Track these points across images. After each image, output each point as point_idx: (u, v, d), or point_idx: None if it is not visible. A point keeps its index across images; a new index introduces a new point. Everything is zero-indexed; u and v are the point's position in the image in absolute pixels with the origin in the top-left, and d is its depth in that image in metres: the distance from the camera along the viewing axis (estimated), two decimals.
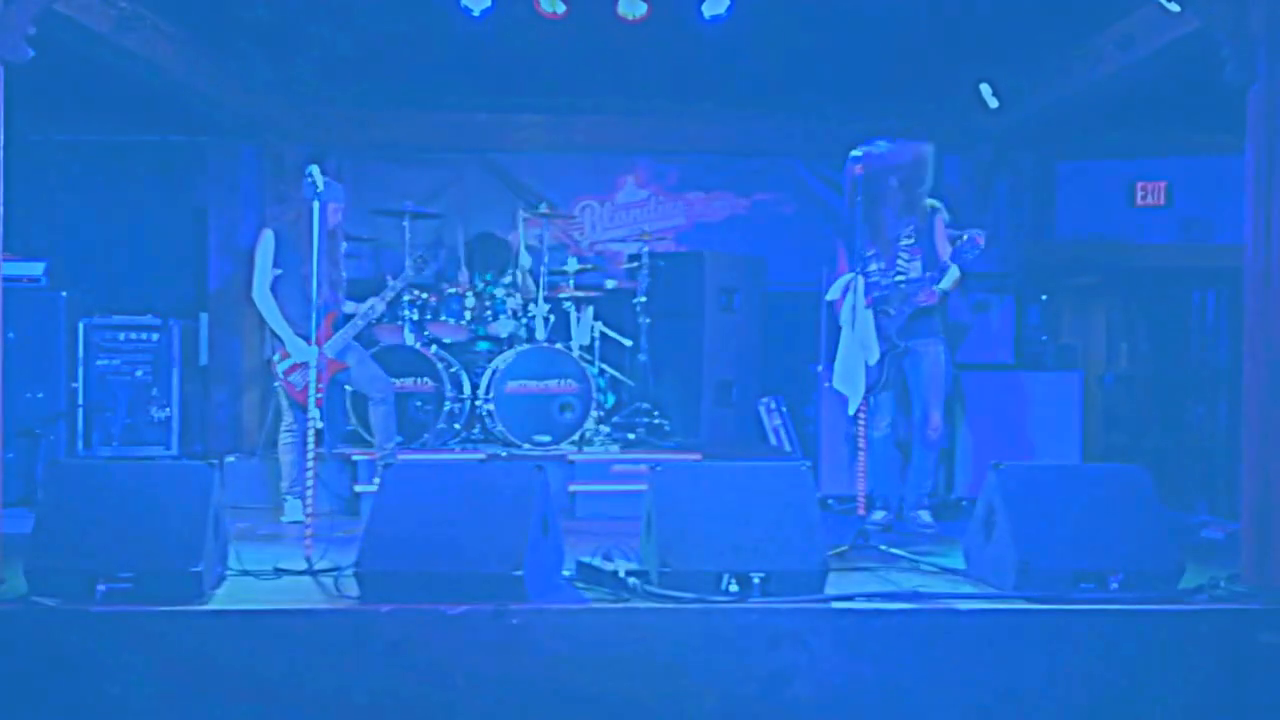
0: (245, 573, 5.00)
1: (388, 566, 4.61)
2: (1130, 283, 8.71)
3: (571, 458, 7.22)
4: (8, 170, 4.88)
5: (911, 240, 6.22)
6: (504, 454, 7.24)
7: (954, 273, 6.14)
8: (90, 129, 8.84)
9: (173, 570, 4.53)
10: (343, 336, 6.60)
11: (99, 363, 7.75)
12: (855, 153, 5.93)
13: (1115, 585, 4.74)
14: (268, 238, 6.54)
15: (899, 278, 6.21)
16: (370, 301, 6.76)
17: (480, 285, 7.93)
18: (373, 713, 4.34)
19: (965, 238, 5.76)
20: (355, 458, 7.01)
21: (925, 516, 6.35)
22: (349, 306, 6.74)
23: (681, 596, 4.54)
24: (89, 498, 4.71)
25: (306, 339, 6.18)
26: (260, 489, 7.10)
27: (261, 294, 6.49)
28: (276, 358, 6.51)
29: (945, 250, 6.15)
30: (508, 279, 8.10)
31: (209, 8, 7.04)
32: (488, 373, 7.50)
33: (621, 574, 4.70)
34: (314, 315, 5.45)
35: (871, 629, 4.49)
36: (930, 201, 6.29)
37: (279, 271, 6.51)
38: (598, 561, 4.88)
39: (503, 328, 7.81)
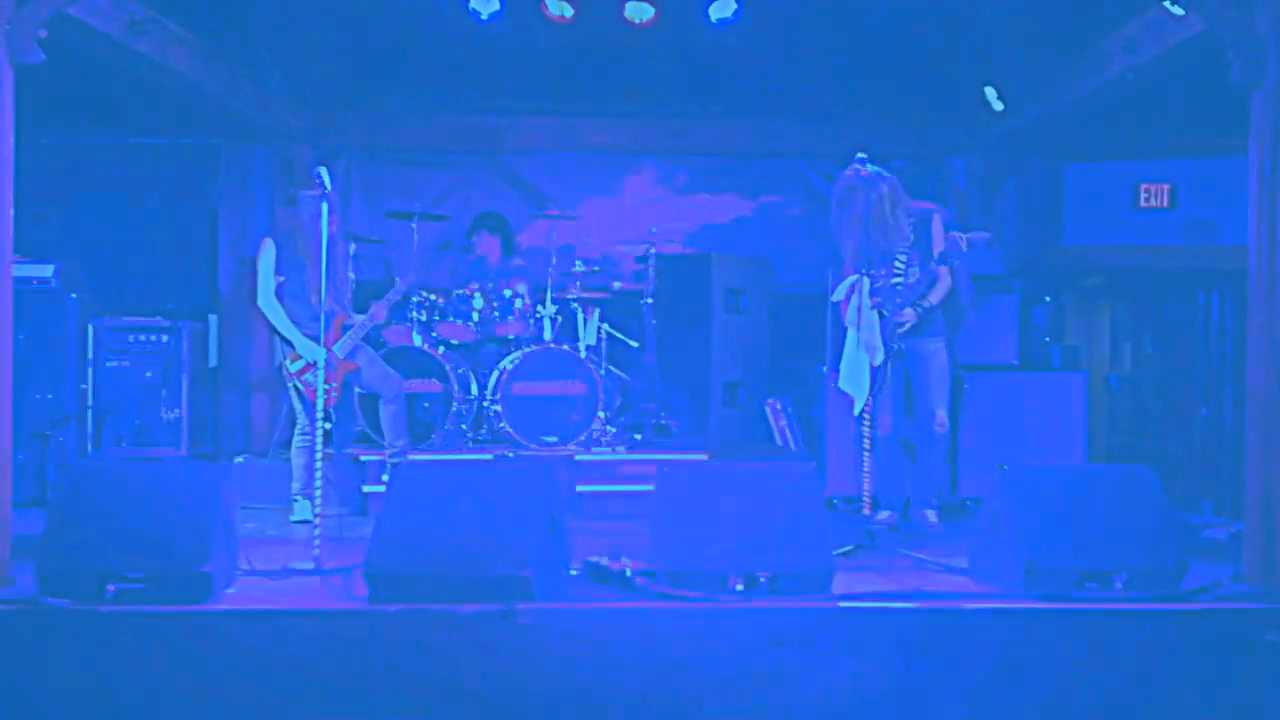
0: (254, 573, 5.03)
1: (396, 567, 4.63)
2: (1135, 284, 8.70)
3: (578, 458, 7.24)
4: (18, 173, 4.92)
5: (906, 252, 6.22)
6: (511, 454, 7.26)
7: (942, 284, 6.16)
8: (101, 132, 8.85)
9: (183, 570, 4.56)
10: (351, 338, 6.64)
11: (109, 364, 7.77)
12: (860, 154, 5.99)
13: (1120, 585, 4.76)
14: (269, 247, 6.58)
15: (895, 280, 6.22)
16: (373, 308, 6.79)
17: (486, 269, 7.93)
18: (380, 712, 4.36)
19: (951, 238, 5.84)
20: (364, 458, 7.04)
21: (931, 516, 6.37)
22: (355, 318, 6.76)
23: (688, 596, 4.57)
24: (99, 498, 4.75)
25: (315, 340, 6.21)
26: (269, 489, 7.11)
27: (266, 300, 6.52)
28: (288, 361, 6.54)
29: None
30: (515, 262, 8.14)
31: (221, 12, 7.07)
32: (495, 374, 7.52)
33: (628, 574, 4.74)
34: (321, 318, 5.47)
35: (877, 629, 4.51)
36: (925, 204, 6.31)
37: (281, 279, 6.54)
38: (605, 561, 4.91)
39: (510, 329, 7.83)
